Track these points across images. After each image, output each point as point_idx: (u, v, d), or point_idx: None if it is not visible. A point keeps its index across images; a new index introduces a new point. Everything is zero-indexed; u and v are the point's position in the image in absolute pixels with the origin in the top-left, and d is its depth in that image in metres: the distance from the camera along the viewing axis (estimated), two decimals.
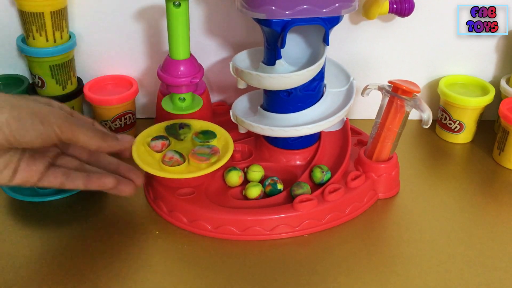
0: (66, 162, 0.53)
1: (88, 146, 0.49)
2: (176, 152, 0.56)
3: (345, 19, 0.70)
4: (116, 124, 0.71)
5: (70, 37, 0.70)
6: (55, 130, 0.45)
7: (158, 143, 0.57)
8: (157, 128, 0.60)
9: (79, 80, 0.74)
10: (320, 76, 0.59)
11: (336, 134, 0.67)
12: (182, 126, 0.60)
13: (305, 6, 0.53)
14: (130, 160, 0.56)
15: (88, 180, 0.51)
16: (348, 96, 0.62)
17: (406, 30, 0.72)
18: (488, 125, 0.76)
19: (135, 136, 0.59)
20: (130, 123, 0.73)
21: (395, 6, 0.67)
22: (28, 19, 0.65)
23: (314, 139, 0.65)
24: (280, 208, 0.57)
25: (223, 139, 0.59)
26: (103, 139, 0.50)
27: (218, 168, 0.56)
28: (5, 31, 0.71)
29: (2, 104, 0.42)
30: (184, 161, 0.55)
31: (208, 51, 0.73)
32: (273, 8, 0.53)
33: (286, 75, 0.56)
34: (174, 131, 0.60)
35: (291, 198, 0.58)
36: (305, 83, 0.58)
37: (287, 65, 0.58)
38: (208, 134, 0.59)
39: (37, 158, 0.49)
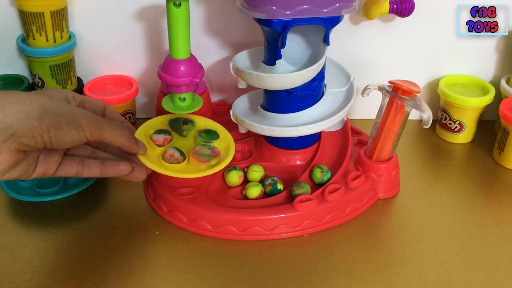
0: (79, 151, 0.53)
1: (112, 144, 0.50)
2: (177, 149, 0.55)
3: (345, 19, 0.70)
4: None
5: (70, 37, 0.70)
6: (86, 133, 0.46)
7: (160, 138, 0.56)
8: (161, 120, 0.59)
9: (79, 80, 0.74)
10: (320, 76, 0.59)
11: (336, 134, 0.67)
12: (186, 121, 0.59)
13: (305, 6, 0.53)
14: None
15: (104, 168, 0.52)
16: (348, 96, 0.62)
17: (406, 30, 0.72)
18: (488, 125, 0.76)
19: (137, 127, 0.57)
20: (130, 123, 0.72)
21: (395, 6, 0.67)
22: (28, 19, 0.65)
23: (314, 139, 0.65)
24: (280, 208, 0.57)
25: (225, 141, 0.58)
26: (127, 139, 0.51)
27: None
28: (5, 31, 0.71)
29: (43, 112, 0.44)
30: (184, 160, 0.55)
31: (208, 51, 0.73)
32: (274, 8, 0.53)
33: (286, 75, 0.56)
34: (178, 126, 0.59)
35: (291, 198, 0.58)
36: (305, 83, 0.58)
37: (287, 65, 0.58)
38: (211, 134, 0.58)
39: (53, 150, 0.49)
